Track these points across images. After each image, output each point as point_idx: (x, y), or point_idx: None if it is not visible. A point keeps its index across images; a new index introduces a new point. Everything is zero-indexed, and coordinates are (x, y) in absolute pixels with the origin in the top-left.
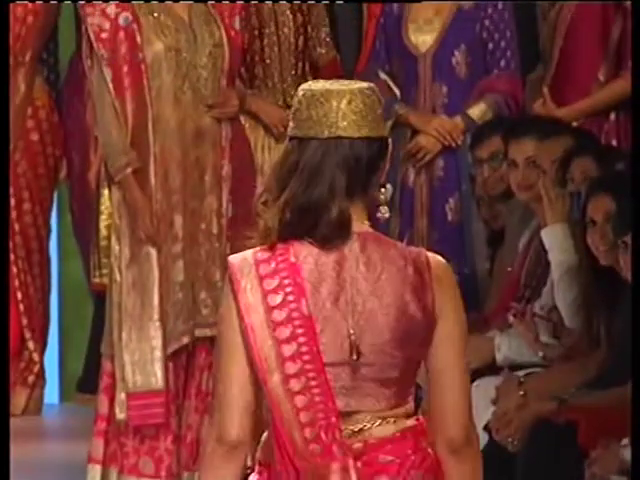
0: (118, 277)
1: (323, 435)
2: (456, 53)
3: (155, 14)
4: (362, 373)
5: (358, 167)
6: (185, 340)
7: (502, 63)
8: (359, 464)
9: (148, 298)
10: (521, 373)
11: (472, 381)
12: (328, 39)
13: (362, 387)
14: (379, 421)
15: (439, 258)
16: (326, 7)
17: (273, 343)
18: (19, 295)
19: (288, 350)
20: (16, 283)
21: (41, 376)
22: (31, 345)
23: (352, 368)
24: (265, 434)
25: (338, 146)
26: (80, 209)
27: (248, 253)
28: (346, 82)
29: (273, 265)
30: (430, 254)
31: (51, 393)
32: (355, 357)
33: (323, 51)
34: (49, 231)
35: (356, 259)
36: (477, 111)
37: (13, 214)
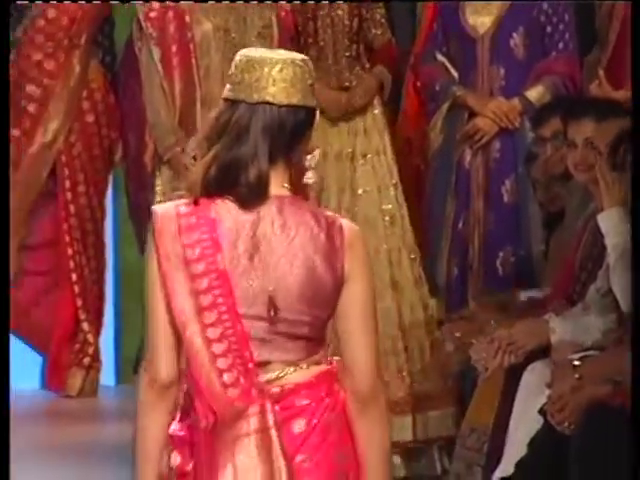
0: None
1: (242, 379)
2: (514, 35)
3: None
4: (273, 328)
5: (282, 133)
6: None
7: (560, 45)
8: (277, 407)
9: None
10: (576, 356)
11: (527, 364)
12: (383, 20)
13: (273, 340)
14: (293, 368)
15: (353, 225)
16: None
17: (191, 294)
18: (74, 277)
19: (205, 300)
20: (71, 265)
21: (96, 358)
22: (86, 327)
23: (267, 322)
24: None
25: (265, 111)
26: (136, 191)
27: (171, 205)
28: (282, 52)
29: (194, 220)
30: (345, 221)
31: (108, 375)
32: (273, 313)
33: (378, 32)
34: (104, 213)
35: (272, 220)
36: (535, 93)
37: (68, 196)
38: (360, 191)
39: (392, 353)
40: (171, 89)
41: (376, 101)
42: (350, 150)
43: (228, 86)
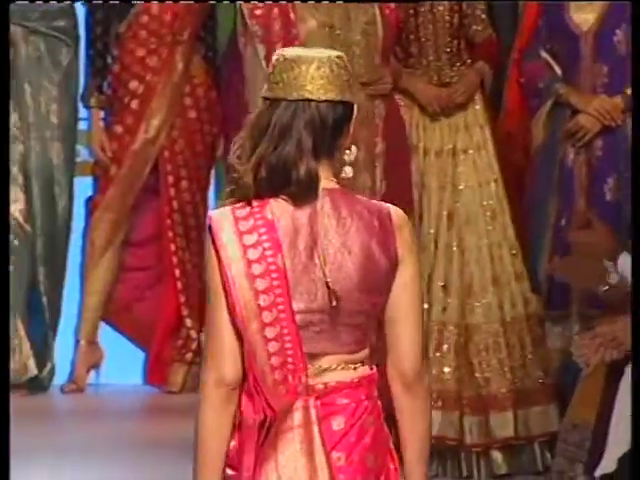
0: None
1: (290, 378)
2: (617, 32)
3: None
4: (336, 318)
5: (324, 128)
6: None
7: None
8: (319, 403)
9: None
10: None
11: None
12: (484, 16)
13: (333, 331)
14: (342, 365)
15: (400, 211)
16: None
17: (252, 294)
18: (177, 272)
19: (265, 300)
20: (174, 260)
21: (199, 354)
22: (189, 322)
23: (329, 314)
24: None
25: (305, 108)
26: None
27: (227, 209)
28: (318, 50)
29: (252, 222)
30: (392, 206)
31: None
32: (334, 303)
33: (479, 28)
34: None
35: (327, 214)
36: None
37: (171, 192)
38: (461, 187)
39: (493, 349)
40: None
41: (477, 96)
42: (451, 146)
43: (266, 86)
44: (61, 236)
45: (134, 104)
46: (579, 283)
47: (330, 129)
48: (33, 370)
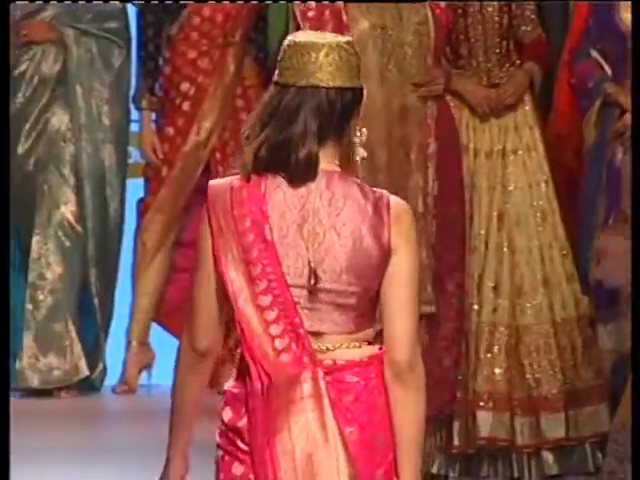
0: None
1: (294, 345)
2: None
3: None
4: (320, 297)
5: (331, 113)
6: None
7: None
8: (329, 379)
9: None
10: None
11: None
12: (533, 17)
13: (320, 310)
14: (345, 344)
15: (401, 201)
16: None
17: (242, 264)
18: None
19: (255, 270)
20: None
21: None
22: None
23: (310, 292)
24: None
25: (314, 93)
26: None
27: (226, 181)
28: (328, 35)
29: (245, 194)
30: (393, 197)
31: None
32: (313, 282)
33: (528, 29)
34: None
35: (320, 194)
36: None
37: None
38: (511, 187)
39: (544, 350)
40: None
41: (526, 97)
42: (501, 147)
43: (277, 71)
44: (113, 237)
45: (185, 106)
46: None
47: (338, 114)
48: (85, 371)
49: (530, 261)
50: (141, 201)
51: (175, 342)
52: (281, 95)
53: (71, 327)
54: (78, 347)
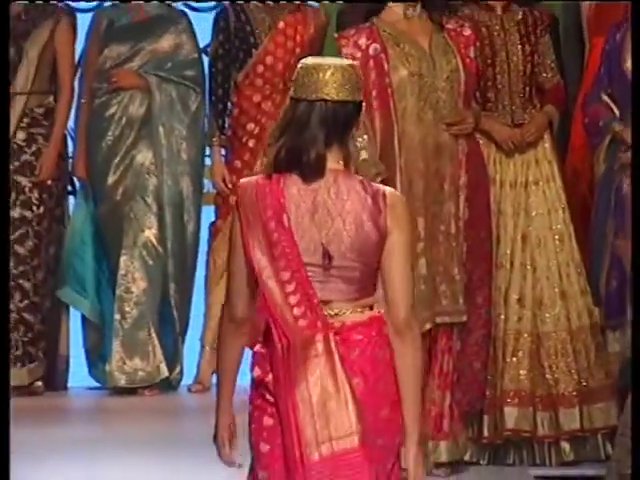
0: None
1: (309, 313)
2: None
3: (400, 45)
4: (331, 273)
5: (335, 122)
6: (427, 326)
7: None
8: (338, 338)
9: None
10: None
11: None
12: (553, 65)
13: (331, 282)
14: (350, 309)
15: (396, 193)
16: (551, 37)
17: (266, 246)
18: None
19: (276, 251)
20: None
21: None
22: None
23: (323, 268)
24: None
25: (321, 106)
26: None
27: (253, 179)
28: (333, 59)
29: (267, 189)
30: (389, 188)
31: None
32: (327, 261)
33: (549, 76)
34: None
35: (328, 189)
36: None
37: None
38: (533, 214)
39: (562, 354)
40: (372, 127)
41: (546, 135)
42: (523, 179)
43: (292, 88)
44: (189, 257)
45: (251, 143)
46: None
47: (341, 123)
48: (165, 372)
49: (549, 277)
50: (213, 225)
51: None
52: (295, 108)
53: (153, 334)
54: (159, 352)
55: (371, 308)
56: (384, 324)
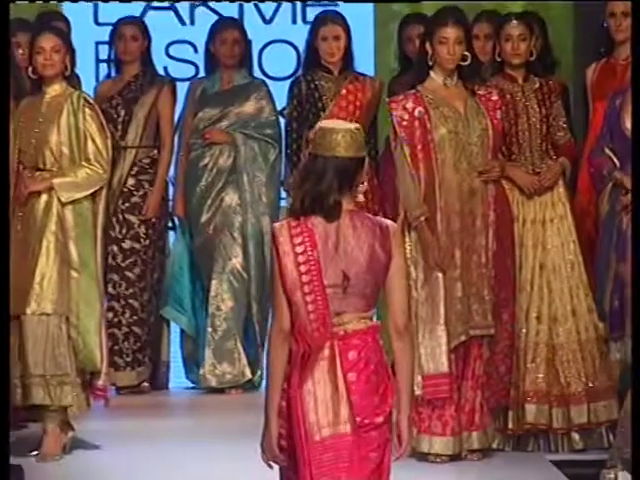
0: (415, 294)
1: (321, 327)
2: None
3: (440, 108)
4: (349, 290)
5: (346, 174)
6: (463, 338)
7: None
8: (340, 343)
9: (437, 308)
10: None
11: None
12: (565, 125)
13: (348, 298)
14: (356, 320)
15: (395, 224)
16: (562, 102)
17: (297, 275)
18: None
19: (305, 278)
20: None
21: None
22: None
23: (343, 288)
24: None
25: (334, 161)
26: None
27: (284, 222)
28: (344, 123)
29: (299, 229)
30: (390, 222)
31: None
32: (346, 282)
33: (561, 134)
34: None
35: (346, 226)
36: None
37: None
38: (549, 246)
39: (573, 361)
40: (417, 175)
41: (560, 182)
42: (541, 217)
43: (311, 146)
44: (268, 281)
45: None
46: None
47: (350, 174)
48: (248, 375)
49: (562, 298)
50: None
51: None
52: (313, 162)
53: (239, 344)
54: (244, 358)
55: (371, 319)
56: (378, 332)
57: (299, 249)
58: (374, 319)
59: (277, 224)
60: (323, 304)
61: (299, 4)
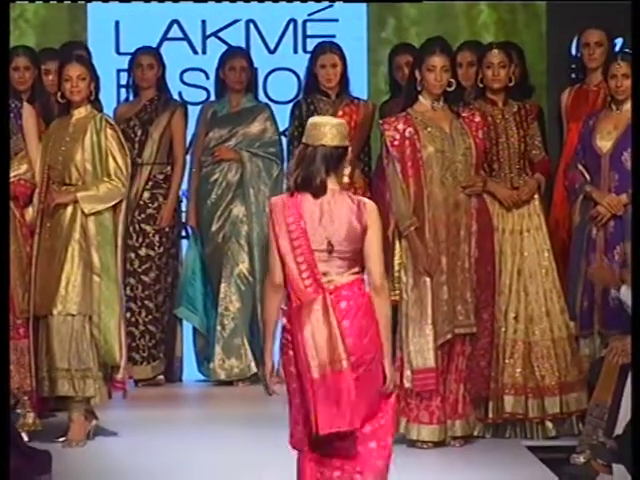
0: (405, 296)
1: (314, 283)
2: (625, 153)
3: (428, 129)
4: (332, 255)
5: (332, 159)
6: (449, 336)
7: None
8: (332, 296)
9: (425, 309)
10: None
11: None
12: (540, 145)
13: (332, 261)
14: (341, 276)
15: (372, 202)
16: (539, 123)
17: (289, 242)
18: None
19: (296, 243)
20: None
21: None
22: None
23: (327, 252)
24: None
25: (322, 149)
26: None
27: (280, 197)
28: (330, 118)
29: (290, 203)
30: (367, 200)
31: None
32: (330, 248)
33: (537, 152)
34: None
35: (329, 202)
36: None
37: None
38: (526, 254)
39: (547, 357)
40: (407, 190)
41: (536, 196)
42: (519, 227)
43: (304, 136)
44: None
45: None
46: (601, 285)
47: (335, 160)
48: (253, 369)
49: (537, 300)
50: None
51: None
52: (305, 150)
53: (245, 341)
54: (249, 354)
55: (354, 274)
56: (363, 283)
57: (290, 219)
58: (356, 273)
59: (273, 199)
60: (313, 264)
61: (300, 37)
